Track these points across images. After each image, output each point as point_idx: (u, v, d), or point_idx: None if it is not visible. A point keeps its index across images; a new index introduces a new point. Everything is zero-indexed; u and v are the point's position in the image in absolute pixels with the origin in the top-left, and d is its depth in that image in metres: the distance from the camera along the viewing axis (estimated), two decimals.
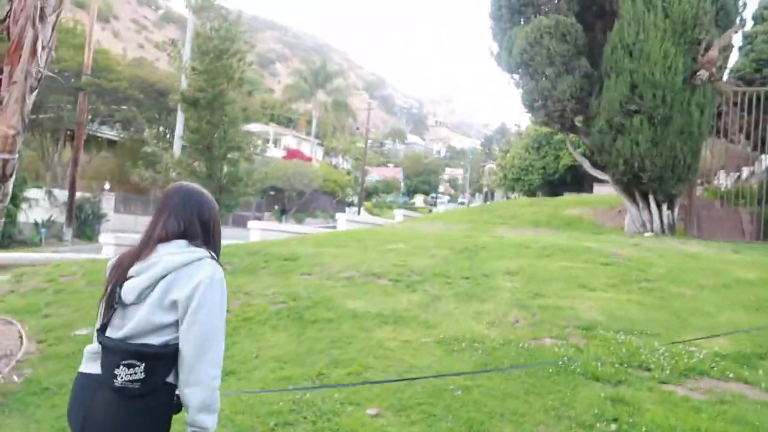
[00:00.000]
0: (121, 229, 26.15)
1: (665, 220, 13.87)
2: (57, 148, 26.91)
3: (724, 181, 17.71)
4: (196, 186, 2.24)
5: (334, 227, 21.72)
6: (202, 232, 2.11)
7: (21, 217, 22.45)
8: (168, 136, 28.58)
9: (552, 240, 11.62)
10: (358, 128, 53.26)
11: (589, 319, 5.90)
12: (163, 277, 1.97)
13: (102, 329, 2.02)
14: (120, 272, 2.05)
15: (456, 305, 6.56)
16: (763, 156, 20.62)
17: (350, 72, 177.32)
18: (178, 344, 1.95)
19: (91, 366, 2.02)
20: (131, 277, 2.01)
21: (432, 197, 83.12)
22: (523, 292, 6.83)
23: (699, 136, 13.25)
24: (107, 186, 25.21)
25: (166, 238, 2.07)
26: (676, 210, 14.13)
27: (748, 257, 9.72)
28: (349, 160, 66.34)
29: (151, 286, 1.97)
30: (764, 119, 15.12)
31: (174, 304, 1.95)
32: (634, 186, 13.99)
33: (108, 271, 2.13)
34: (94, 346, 2.04)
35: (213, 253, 2.10)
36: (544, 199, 24.53)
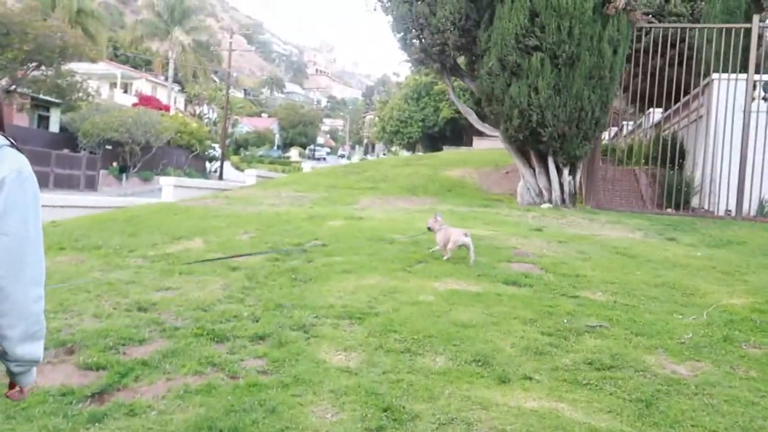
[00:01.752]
0: None
1: (566, 189, 11.10)
2: None
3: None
4: None
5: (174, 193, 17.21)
6: None
7: None
8: None
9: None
10: (228, 73, 47.16)
11: None
12: None
13: None
14: None
15: None
16: (653, 110, 18.83)
17: (223, 14, 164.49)
18: None
19: None
20: None
21: (310, 150, 78.44)
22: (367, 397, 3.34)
23: (610, 83, 10.42)
24: None
25: None
26: (578, 176, 11.40)
27: (695, 249, 6.97)
28: (215, 109, 59.76)
29: None
30: (666, 64, 12.75)
31: None
32: (530, 145, 11.01)
33: None
34: None
35: (10, 139, 1.58)
36: (421, 156, 21.47)
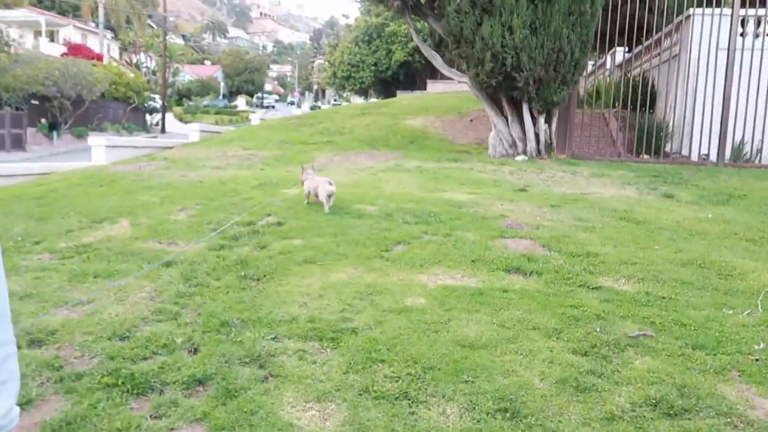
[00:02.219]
0: None
1: (542, 138, 10.18)
2: None
3: None
4: None
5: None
6: None
7: None
8: None
9: (399, 184, 7.26)
10: (165, 17, 43.72)
11: None
12: None
13: None
14: None
15: None
16: (618, 49, 17.98)
17: None
18: None
19: None
20: None
21: (258, 98, 75.20)
22: None
23: (591, 19, 9.39)
24: None
25: None
26: (554, 124, 10.48)
27: (701, 209, 6.17)
28: (153, 57, 55.92)
29: None
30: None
31: None
32: (503, 92, 9.97)
33: None
34: None
35: None
36: (378, 104, 20.16)
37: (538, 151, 10.16)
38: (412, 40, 45.84)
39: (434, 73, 46.79)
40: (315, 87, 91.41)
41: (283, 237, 5.07)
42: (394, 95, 40.92)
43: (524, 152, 10.19)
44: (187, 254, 4.64)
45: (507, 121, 10.36)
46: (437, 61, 11.03)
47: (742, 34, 10.60)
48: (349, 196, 6.59)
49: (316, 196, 5.93)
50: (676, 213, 5.95)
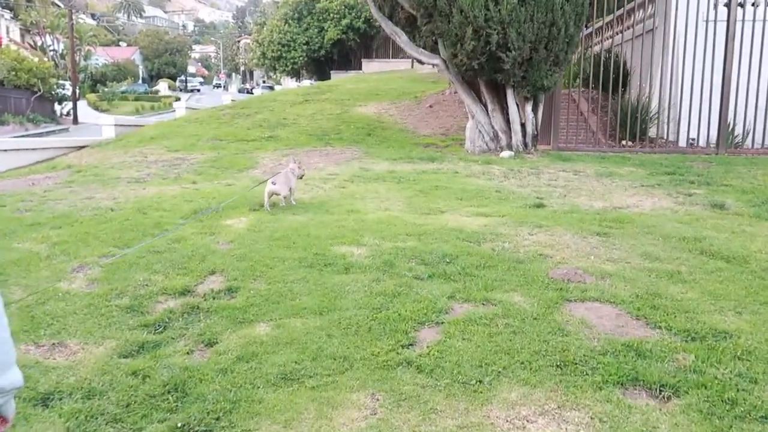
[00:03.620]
0: None
1: (529, 130, 8.67)
2: None
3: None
4: None
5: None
6: None
7: None
8: None
9: (380, 202, 5.52)
10: None
11: None
12: None
13: None
14: None
15: None
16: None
17: None
18: None
19: None
20: None
21: (181, 81, 70.54)
22: None
23: None
24: None
25: None
26: (540, 112, 8.98)
27: None
28: (60, 39, 50.87)
29: None
30: None
31: None
32: (485, 75, 8.36)
33: None
34: None
35: None
36: (320, 88, 18.16)
37: (525, 145, 8.66)
38: (344, 17, 43.57)
39: (368, 52, 44.89)
40: (242, 68, 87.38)
41: (240, 320, 3.27)
42: (329, 76, 38.72)
43: (509, 146, 8.67)
44: (81, 373, 2.78)
45: (487, 109, 8.78)
46: (401, 39, 9.25)
47: (741, 4, 9.39)
48: (322, 228, 4.81)
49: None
50: (759, 238, 4.53)
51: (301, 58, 43.15)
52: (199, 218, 5.22)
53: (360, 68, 39.22)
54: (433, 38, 8.48)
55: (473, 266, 3.92)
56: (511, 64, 7.76)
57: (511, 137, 8.67)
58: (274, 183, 5.53)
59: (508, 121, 8.63)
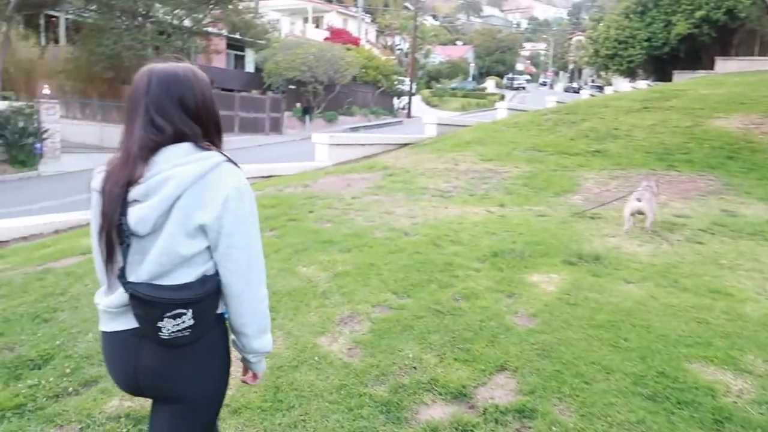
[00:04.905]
0: (77, 145, 19.66)
1: None
2: None
3: None
4: (169, 65, 1.54)
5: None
6: (199, 124, 1.54)
7: None
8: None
9: None
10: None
11: None
12: (179, 197, 1.48)
13: (122, 274, 1.52)
14: (115, 198, 1.49)
15: None
16: None
17: None
18: (215, 274, 1.55)
19: (121, 322, 1.55)
20: (135, 201, 1.49)
21: (508, 79, 71.35)
22: None
23: None
24: (47, 90, 18.28)
25: (158, 145, 1.49)
26: None
27: None
28: (407, 39, 56.10)
29: (167, 212, 1.49)
30: None
31: (201, 229, 1.50)
32: None
33: (98, 196, 1.53)
34: (115, 300, 1.54)
35: (225, 153, 1.55)
36: (662, 92, 15.43)
37: None
38: (700, 8, 37.53)
39: (725, 49, 38.11)
40: (571, 66, 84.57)
41: None
42: (670, 77, 34.05)
43: None
44: None
45: None
46: None
47: None
48: (670, 319, 3.22)
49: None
50: None
51: (638, 57, 39.08)
52: (498, 265, 4.13)
53: (711, 68, 33.55)
54: None
55: None
56: None
57: None
58: (639, 200, 4.80)
59: None
